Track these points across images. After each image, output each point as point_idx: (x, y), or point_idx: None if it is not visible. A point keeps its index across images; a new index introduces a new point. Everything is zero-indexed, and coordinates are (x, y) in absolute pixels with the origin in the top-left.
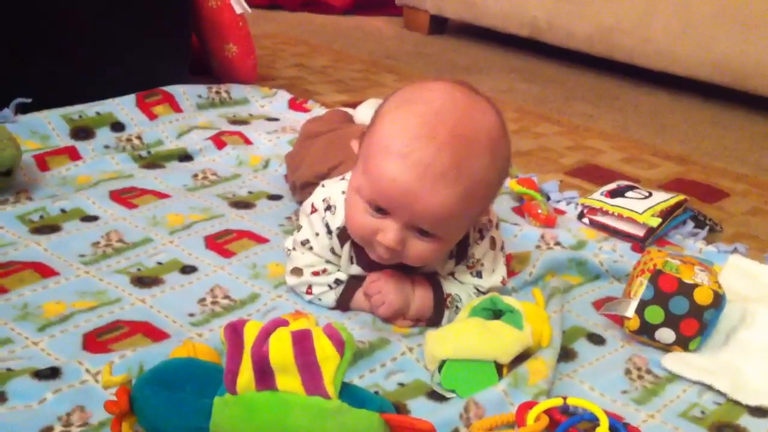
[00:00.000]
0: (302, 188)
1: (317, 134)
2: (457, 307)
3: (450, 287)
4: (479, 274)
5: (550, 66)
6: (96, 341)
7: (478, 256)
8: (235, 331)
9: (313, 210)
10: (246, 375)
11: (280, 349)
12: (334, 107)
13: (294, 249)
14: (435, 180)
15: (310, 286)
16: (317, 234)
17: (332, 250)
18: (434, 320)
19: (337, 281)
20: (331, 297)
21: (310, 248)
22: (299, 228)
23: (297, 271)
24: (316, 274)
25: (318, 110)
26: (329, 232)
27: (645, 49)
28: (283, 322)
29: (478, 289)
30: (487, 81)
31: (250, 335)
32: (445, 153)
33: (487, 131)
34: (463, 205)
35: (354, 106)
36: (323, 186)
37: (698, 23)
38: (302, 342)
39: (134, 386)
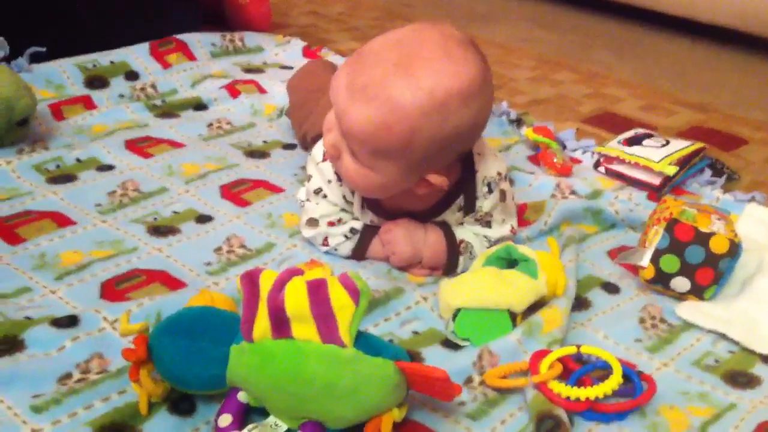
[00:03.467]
0: (314, 141)
1: (319, 88)
2: (471, 253)
3: (462, 234)
4: (488, 225)
5: (569, 13)
6: (114, 290)
7: (487, 209)
8: (251, 281)
9: (325, 158)
10: (262, 324)
11: (296, 298)
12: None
13: (308, 200)
14: (354, 92)
15: (326, 238)
16: (329, 181)
17: (344, 197)
18: (449, 267)
19: (353, 230)
20: (347, 247)
21: (324, 196)
22: (309, 178)
23: (312, 222)
24: (331, 224)
25: (333, 57)
26: (340, 178)
27: None
28: (299, 272)
29: (487, 239)
30: (504, 29)
31: (266, 284)
32: (376, 71)
33: (437, 79)
34: (375, 129)
35: None
36: None
37: None
38: (317, 291)
39: (152, 334)
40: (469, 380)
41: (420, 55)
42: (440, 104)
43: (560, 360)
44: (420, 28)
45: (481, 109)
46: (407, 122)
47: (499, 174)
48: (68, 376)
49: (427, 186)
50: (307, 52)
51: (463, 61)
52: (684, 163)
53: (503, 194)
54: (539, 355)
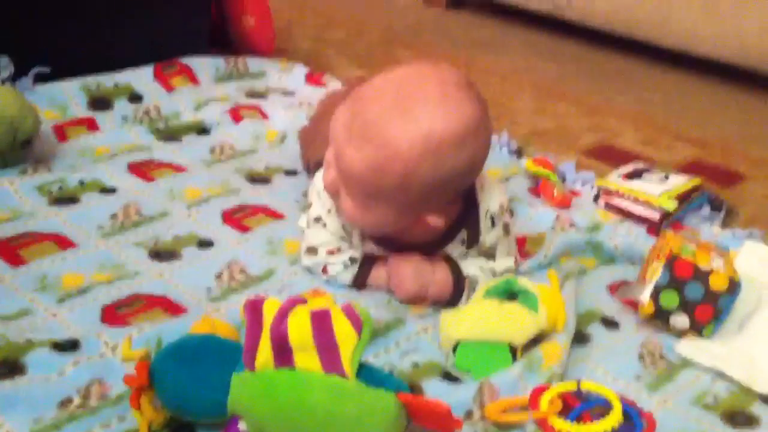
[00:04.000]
0: (316, 167)
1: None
2: (474, 288)
3: (468, 268)
4: (492, 257)
5: (570, 44)
6: (114, 314)
7: (490, 243)
8: (254, 309)
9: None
10: (265, 352)
11: (299, 328)
12: (351, 80)
13: (308, 227)
14: (352, 133)
15: (325, 266)
16: (329, 210)
17: (344, 227)
18: (452, 301)
19: (352, 259)
20: (347, 276)
21: (324, 225)
22: (311, 205)
23: (312, 251)
24: (330, 252)
25: (334, 84)
26: None
27: (666, 28)
28: (302, 301)
29: (492, 271)
30: (505, 58)
31: (269, 313)
32: (374, 114)
33: (433, 122)
34: (369, 171)
35: None
36: None
37: (722, 3)
38: (321, 321)
39: (154, 361)
40: (469, 414)
41: (417, 97)
42: (435, 147)
43: (560, 396)
44: (420, 69)
45: (476, 151)
46: (402, 165)
47: (502, 207)
48: (69, 400)
49: (423, 226)
50: (309, 78)
51: (460, 104)
52: (683, 198)
53: (506, 227)
54: (539, 391)
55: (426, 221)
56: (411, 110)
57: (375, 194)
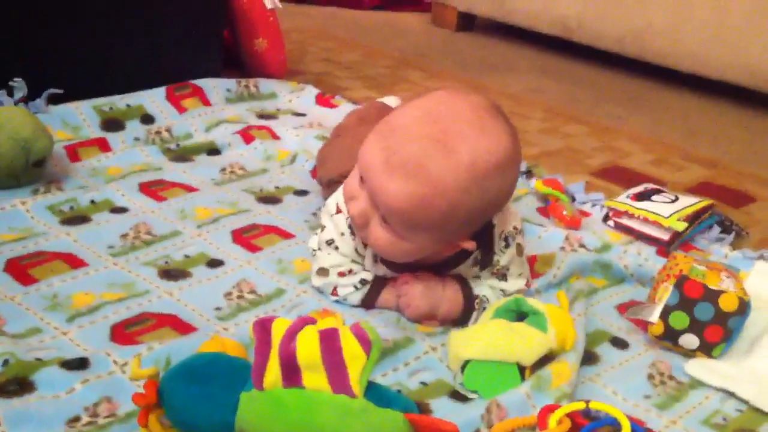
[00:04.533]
0: (328, 185)
1: (348, 129)
2: (484, 308)
3: (479, 289)
4: (504, 278)
5: (580, 66)
6: (124, 333)
7: (504, 263)
8: (263, 328)
9: (338, 210)
10: (273, 372)
11: (308, 347)
12: (371, 100)
13: (319, 249)
14: (393, 168)
15: (335, 287)
16: (342, 234)
17: (356, 250)
18: (461, 321)
19: (363, 281)
20: (356, 297)
21: (336, 248)
22: (323, 228)
23: (323, 272)
24: (341, 274)
25: (345, 105)
26: (354, 232)
27: (676, 50)
28: (311, 321)
29: (503, 292)
30: (515, 80)
31: (278, 332)
32: (415, 148)
33: (476, 155)
34: (415, 206)
35: None
36: None
37: (731, 26)
38: (329, 341)
39: (163, 379)
40: None
41: (456, 130)
42: (481, 179)
43: (569, 415)
44: (448, 98)
45: (515, 176)
46: (448, 198)
47: (516, 228)
48: (77, 419)
49: (454, 249)
50: (320, 99)
51: (497, 133)
52: (693, 219)
53: (520, 248)
54: (548, 410)
55: (459, 246)
56: (452, 144)
57: (419, 227)
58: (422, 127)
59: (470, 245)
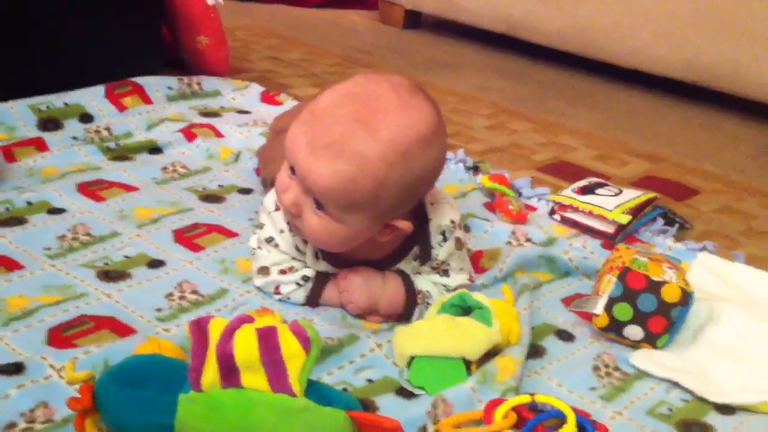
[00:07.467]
0: (273, 185)
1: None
2: (427, 303)
3: (421, 284)
4: (446, 273)
5: (525, 63)
6: (61, 336)
7: (443, 257)
8: (199, 328)
9: (277, 208)
10: (211, 372)
11: (246, 347)
12: (306, 101)
13: (259, 247)
14: (317, 150)
15: (278, 286)
16: (281, 231)
17: (297, 247)
18: (405, 316)
19: (305, 278)
20: (300, 294)
21: (276, 245)
22: (262, 226)
23: (264, 270)
24: (283, 272)
25: (290, 103)
26: (292, 229)
27: (619, 47)
28: (249, 319)
29: (446, 287)
30: (462, 77)
31: (215, 332)
32: (337, 129)
33: (397, 129)
34: (343, 184)
35: None
36: None
37: (672, 22)
38: (267, 339)
39: (97, 383)
40: (423, 429)
41: (376, 107)
42: (403, 153)
43: (514, 409)
44: (367, 80)
45: (440, 151)
46: (374, 175)
47: (453, 222)
48: (13, 425)
49: (390, 232)
50: (265, 97)
51: (418, 108)
52: (637, 211)
53: (459, 242)
54: (493, 404)
55: (393, 228)
56: (373, 122)
57: (350, 206)
58: (343, 108)
59: (405, 225)
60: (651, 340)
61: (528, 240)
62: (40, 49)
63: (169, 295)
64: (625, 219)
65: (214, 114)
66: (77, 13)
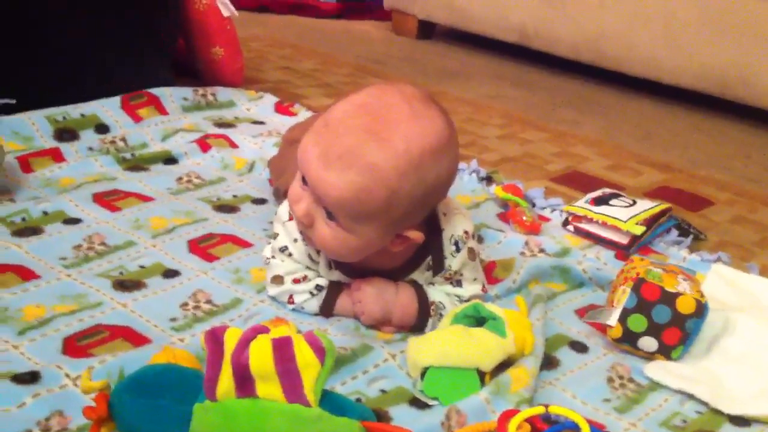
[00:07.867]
0: (285, 195)
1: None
2: (440, 314)
3: (434, 294)
4: (459, 284)
5: (538, 72)
6: (76, 345)
7: (456, 267)
8: (215, 338)
9: (290, 218)
10: (226, 382)
11: (261, 357)
12: (320, 111)
13: (273, 257)
14: (330, 160)
15: (291, 295)
16: (295, 240)
17: (310, 257)
18: (418, 327)
19: (318, 287)
20: (313, 304)
21: (290, 255)
22: (276, 236)
23: (277, 279)
24: (296, 281)
25: (304, 114)
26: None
27: (630, 56)
28: (264, 330)
29: (459, 298)
30: (474, 86)
31: (230, 342)
32: (349, 139)
33: (409, 140)
34: (355, 195)
35: None
36: None
37: (682, 32)
38: (282, 349)
39: (113, 392)
40: None
41: (388, 118)
42: (416, 164)
43: (528, 420)
44: (380, 91)
45: (452, 161)
46: (386, 185)
47: (466, 232)
48: None
49: (402, 242)
50: (279, 108)
51: (430, 118)
52: (651, 222)
53: (472, 252)
54: (507, 415)
55: (405, 238)
56: (385, 133)
57: (362, 216)
58: (355, 119)
59: (417, 235)
60: (666, 352)
61: (541, 251)
62: (55, 60)
63: (184, 305)
64: (639, 230)
65: (228, 125)
66: (95, 25)
